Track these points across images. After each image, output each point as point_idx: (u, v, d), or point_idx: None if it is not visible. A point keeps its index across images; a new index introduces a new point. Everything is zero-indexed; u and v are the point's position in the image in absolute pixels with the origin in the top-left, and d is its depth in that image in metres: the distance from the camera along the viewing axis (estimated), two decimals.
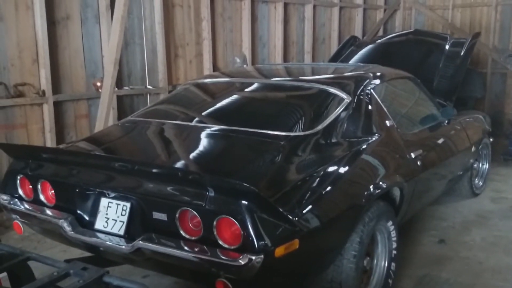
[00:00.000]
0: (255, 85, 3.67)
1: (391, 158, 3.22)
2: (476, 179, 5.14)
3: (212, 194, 2.22)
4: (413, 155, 3.42)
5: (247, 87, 3.65)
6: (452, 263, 3.71)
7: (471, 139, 4.60)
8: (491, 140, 5.33)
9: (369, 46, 6.19)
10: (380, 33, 8.72)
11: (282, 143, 2.82)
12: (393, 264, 3.11)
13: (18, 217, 2.86)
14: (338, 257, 2.65)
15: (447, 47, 5.48)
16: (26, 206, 2.82)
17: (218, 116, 3.35)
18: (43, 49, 4.65)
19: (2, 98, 4.45)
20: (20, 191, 2.87)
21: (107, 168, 2.61)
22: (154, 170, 2.43)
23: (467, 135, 4.53)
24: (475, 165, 5.00)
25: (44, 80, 4.71)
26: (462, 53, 5.29)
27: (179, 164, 2.78)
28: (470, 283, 3.42)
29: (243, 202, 2.14)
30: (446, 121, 4.21)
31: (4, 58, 4.49)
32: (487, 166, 5.29)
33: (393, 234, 3.09)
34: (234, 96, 3.58)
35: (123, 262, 2.80)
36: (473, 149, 4.65)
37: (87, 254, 2.93)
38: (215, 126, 3.13)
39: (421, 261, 3.73)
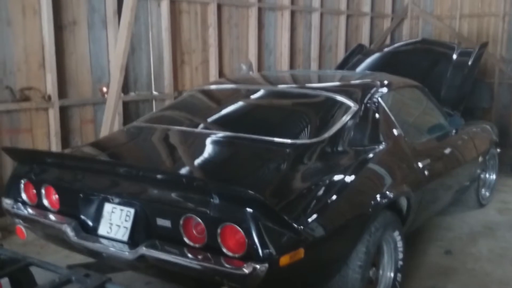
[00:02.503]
0: (261, 92, 3.65)
1: (398, 167, 3.19)
2: (483, 190, 5.08)
3: (216, 201, 2.20)
4: (420, 165, 3.38)
5: (253, 94, 3.63)
6: (458, 274, 3.67)
7: (479, 150, 4.56)
8: (499, 150, 5.29)
9: (376, 55, 6.17)
10: (387, 41, 8.71)
11: (288, 150, 2.80)
12: (399, 275, 3.07)
13: (21, 221, 2.84)
14: (343, 267, 2.61)
15: (454, 56, 5.45)
16: (30, 210, 2.81)
17: (223, 123, 3.33)
18: (49, 54, 4.65)
19: (8, 102, 4.45)
20: (24, 196, 2.85)
21: (111, 174, 2.60)
22: (159, 176, 2.41)
23: (475, 145, 4.49)
24: (482, 176, 4.95)
25: (50, 85, 4.70)
26: (469, 63, 5.25)
27: (183, 171, 2.76)
28: None
29: (248, 209, 2.12)
30: (454, 131, 4.17)
31: (10, 62, 4.49)
32: (494, 177, 5.24)
33: (400, 244, 3.05)
34: (240, 103, 3.56)
35: (126, 268, 2.78)
36: (480, 159, 4.60)
37: (90, 259, 2.91)
38: (221, 132, 3.11)
39: (427, 272, 3.68)
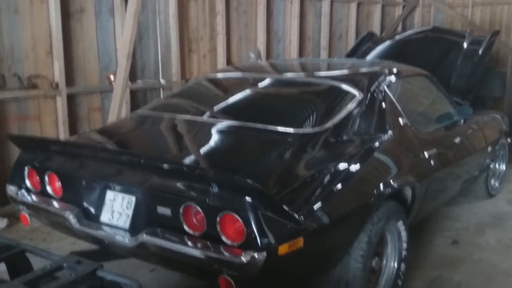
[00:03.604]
0: (266, 81, 3.62)
1: (403, 157, 3.15)
2: (492, 180, 5.02)
3: (215, 190, 2.19)
4: (426, 154, 3.34)
5: (258, 83, 3.60)
6: (464, 265, 3.64)
7: (488, 139, 4.50)
8: (509, 140, 5.21)
9: (386, 43, 6.09)
10: (399, 30, 8.61)
11: (289, 140, 2.78)
12: (402, 265, 3.05)
13: (25, 208, 2.86)
14: (345, 256, 2.59)
15: (465, 45, 5.36)
16: (33, 197, 2.82)
17: (227, 112, 3.31)
18: (57, 41, 4.66)
19: (16, 90, 4.48)
20: (28, 183, 2.86)
21: (113, 161, 2.60)
22: (159, 164, 2.41)
23: (484, 135, 4.43)
24: (492, 166, 4.89)
25: (58, 73, 4.72)
26: (480, 52, 5.17)
27: (185, 159, 2.75)
28: (483, 286, 3.34)
29: (247, 198, 2.10)
30: (462, 120, 4.11)
31: (18, 50, 4.51)
32: (504, 167, 5.18)
33: (404, 234, 3.03)
34: (245, 91, 3.53)
35: (128, 255, 2.79)
36: (489, 149, 4.55)
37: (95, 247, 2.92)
38: (224, 121, 3.09)
39: (433, 262, 3.66)
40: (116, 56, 5.19)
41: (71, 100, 4.92)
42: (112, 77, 5.09)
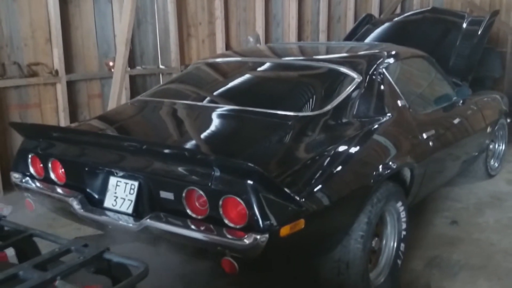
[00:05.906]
0: (265, 65, 3.63)
1: (402, 138, 3.18)
2: (492, 161, 5.06)
3: (217, 173, 2.22)
4: (425, 136, 3.37)
5: (257, 67, 3.62)
6: (464, 244, 3.68)
7: (487, 120, 4.52)
8: (509, 120, 5.24)
9: (385, 25, 6.08)
10: (398, 11, 8.57)
11: (289, 123, 2.80)
12: (402, 245, 3.09)
13: (29, 195, 2.89)
14: (345, 237, 2.64)
15: (464, 25, 5.35)
16: (37, 184, 2.85)
17: (227, 96, 3.33)
18: (55, 28, 4.66)
19: (16, 78, 4.49)
20: (31, 170, 2.89)
21: (115, 147, 2.63)
22: (161, 150, 2.44)
23: (483, 116, 4.45)
24: (491, 146, 4.93)
25: (57, 60, 4.73)
26: (479, 32, 5.16)
27: (186, 144, 2.77)
28: (481, 264, 3.39)
29: (248, 182, 2.13)
30: (461, 101, 4.13)
31: (17, 37, 4.52)
32: (503, 148, 5.22)
33: (403, 215, 3.06)
34: (244, 76, 3.54)
35: (132, 240, 2.82)
36: (488, 129, 4.57)
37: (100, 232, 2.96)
38: (224, 106, 3.11)
39: (432, 242, 3.70)
40: (114, 42, 5.20)
41: (71, 87, 4.94)
42: (111, 63, 5.10)
